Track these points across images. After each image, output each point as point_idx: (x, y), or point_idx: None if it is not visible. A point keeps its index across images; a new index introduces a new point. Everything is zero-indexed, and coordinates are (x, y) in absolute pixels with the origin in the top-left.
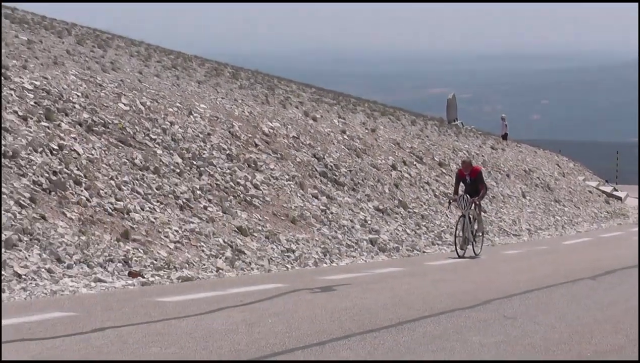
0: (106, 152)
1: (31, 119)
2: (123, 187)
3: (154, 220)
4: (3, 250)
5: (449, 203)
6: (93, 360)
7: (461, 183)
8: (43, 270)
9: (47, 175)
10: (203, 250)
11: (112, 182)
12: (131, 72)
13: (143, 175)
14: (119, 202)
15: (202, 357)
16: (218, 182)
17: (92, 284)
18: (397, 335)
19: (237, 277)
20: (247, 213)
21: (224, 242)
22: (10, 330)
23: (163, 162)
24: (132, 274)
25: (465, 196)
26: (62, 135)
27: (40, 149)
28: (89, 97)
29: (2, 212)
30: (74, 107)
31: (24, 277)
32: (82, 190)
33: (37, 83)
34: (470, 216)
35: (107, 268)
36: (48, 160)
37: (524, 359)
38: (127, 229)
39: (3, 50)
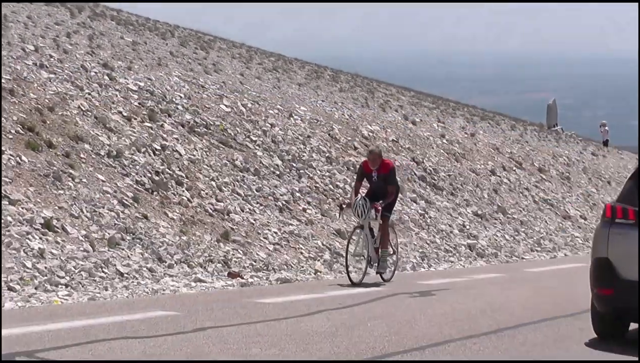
0: (207, 153)
1: (135, 119)
2: (224, 188)
3: (253, 222)
4: (106, 248)
5: (341, 207)
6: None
7: (366, 182)
8: (145, 269)
9: (149, 175)
10: (302, 252)
11: (213, 183)
12: (233, 74)
13: (243, 176)
14: (219, 203)
15: (301, 359)
16: (317, 185)
17: (193, 284)
18: (497, 342)
19: (335, 280)
20: (345, 216)
21: (323, 244)
22: (114, 328)
23: (263, 164)
24: (231, 275)
25: (362, 199)
26: (164, 135)
27: (143, 149)
28: (191, 99)
29: (106, 210)
30: (177, 108)
31: (126, 275)
32: (183, 191)
33: (142, 84)
34: (371, 228)
35: (207, 269)
36: (151, 161)
37: None
38: (227, 230)
39: (109, 52)
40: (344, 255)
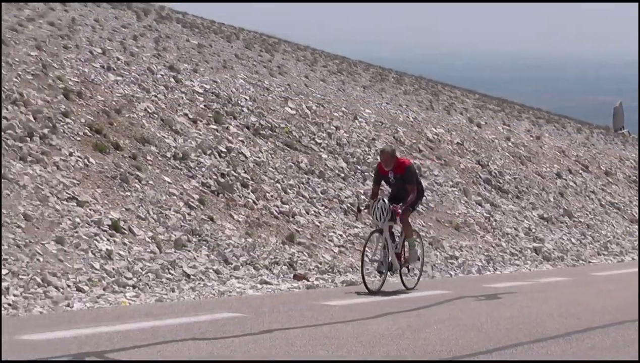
0: (273, 156)
1: (201, 121)
2: (289, 191)
3: (318, 224)
4: (173, 250)
5: (358, 210)
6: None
7: (383, 183)
8: (211, 270)
9: (215, 177)
10: (368, 256)
11: (278, 185)
12: (297, 76)
13: (308, 178)
14: (284, 205)
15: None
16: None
17: (258, 286)
18: (565, 346)
19: (400, 283)
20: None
21: None
22: (181, 329)
23: (328, 166)
24: (297, 277)
25: (381, 202)
26: (230, 138)
27: (209, 152)
28: (256, 101)
29: (172, 212)
30: (242, 111)
31: (192, 277)
32: (249, 193)
33: (207, 86)
34: (392, 231)
35: (273, 271)
36: (216, 163)
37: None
38: (293, 232)
39: (175, 54)
40: (360, 260)
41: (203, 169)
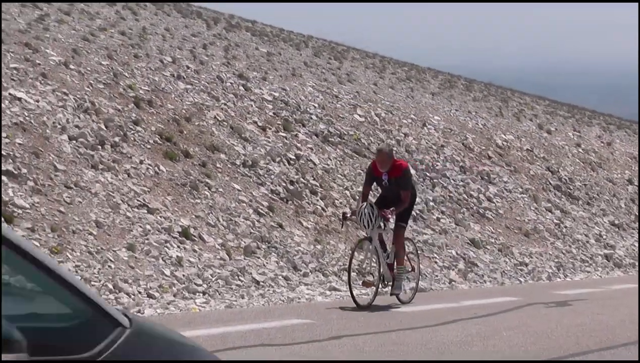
0: (341, 163)
1: (270, 129)
2: (357, 198)
3: None
4: (242, 257)
5: (343, 217)
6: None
7: (376, 186)
8: (280, 277)
9: (284, 184)
10: (436, 262)
11: (347, 192)
12: (366, 83)
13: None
14: None
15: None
16: (451, 194)
17: (327, 292)
18: (637, 353)
19: (470, 289)
20: (479, 226)
21: (457, 254)
22: (251, 335)
23: None
24: (366, 284)
25: (368, 206)
26: (299, 145)
27: (278, 159)
28: (325, 108)
29: (242, 219)
30: (311, 118)
31: (262, 283)
32: (317, 200)
33: (276, 94)
34: (383, 239)
35: (342, 277)
36: (285, 170)
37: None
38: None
39: (244, 62)
40: (347, 271)
41: (272, 176)
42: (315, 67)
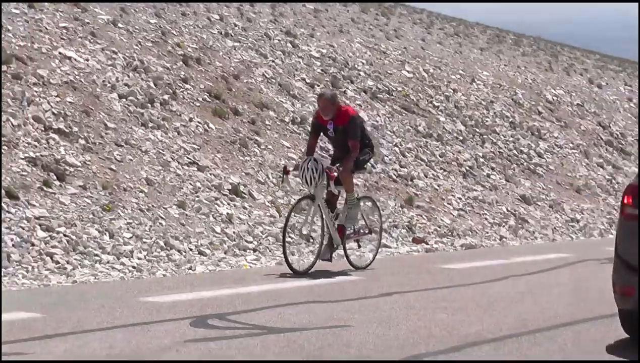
0: (390, 119)
1: (318, 86)
2: (407, 154)
3: (437, 188)
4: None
5: (284, 171)
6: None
7: (323, 137)
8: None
9: None
10: (486, 218)
11: (396, 148)
12: (414, 39)
13: (426, 142)
14: (403, 169)
15: (488, 325)
16: (501, 150)
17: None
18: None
19: (520, 246)
20: (530, 182)
21: (507, 210)
22: (301, 292)
23: (446, 129)
24: (416, 240)
25: (312, 162)
26: (347, 101)
27: None
28: (373, 65)
29: (291, 176)
30: (359, 75)
31: (311, 240)
32: None
33: (324, 51)
34: (332, 198)
35: (392, 234)
36: None
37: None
38: (411, 196)
39: (291, 19)
40: (282, 232)
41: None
42: (362, 23)
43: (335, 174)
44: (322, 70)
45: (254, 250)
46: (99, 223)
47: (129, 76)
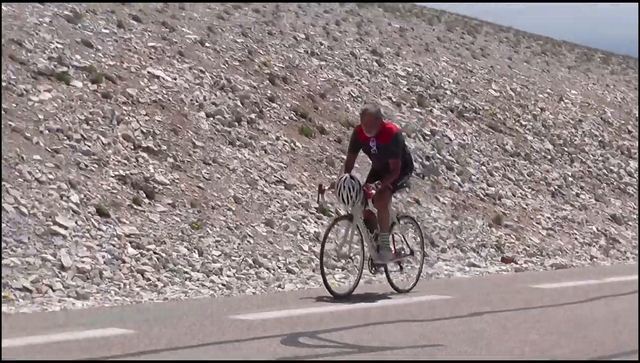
0: (477, 138)
1: (404, 104)
2: (494, 173)
3: (525, 207)
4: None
5: (320, 189)
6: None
7: (363, 153)
8: (418, 253)
9: (420, 160)
10: (576, 238)
11: (483, 167)
12: (501, 58)
13: (514, 161)
14: (490, 188)
15: (582, 347)
16: (590, 169)
17: (466, 268)
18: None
19: (612, 266)
20: (620, 201)
21: (598, 230)
22: (391, 311)
23: (534, 148)
24: (505, 260)
25: (348, 179)
26: (434, 120)
27: (413, 135)
28: (459, 83)
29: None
30: (446, 93)
31: None
32: (454, 175)
33: (410, 70)
34: (371, 218)
35: (480, 253)
36: (421, 146)
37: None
38: (499, 215)
39: (377, 38)
40: (319, 255)
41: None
42: (448, 42)
43: (373, 191)
44: (408, 88)
45: (342, 268)
46: (188, 241)
47: (216, 95)
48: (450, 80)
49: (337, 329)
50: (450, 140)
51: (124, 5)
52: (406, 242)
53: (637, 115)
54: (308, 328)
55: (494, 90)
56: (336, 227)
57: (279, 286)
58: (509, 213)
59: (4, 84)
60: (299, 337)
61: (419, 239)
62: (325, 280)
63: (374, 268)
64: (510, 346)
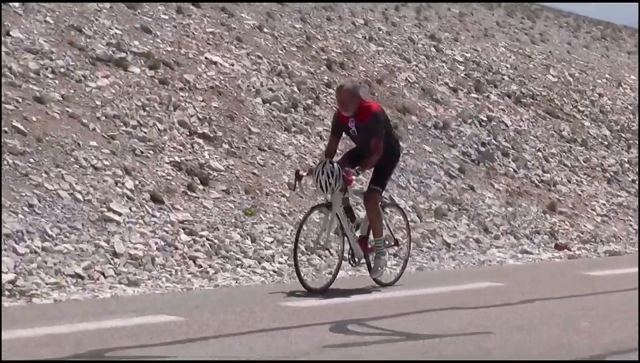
0: (534, 124)
1: (461, 90)
2: (550, 159)
3: (580, 193)
4: (433, 219)
5: (297, 176)
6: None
7: (344, 136)
8: (471, 240)
9: (475, 146)
10: (631, 225)
11: (539, 153)
12: (560, 43)
13: (570, 147)
14: (545, 174)
15: (632, 333)
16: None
17: (519, 255)
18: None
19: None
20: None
21: None
22: (441, 298)
23: (591, 134)
24: (558, 247)
25: (328, 164)
26: (491, 106)
27: (469, 120)
28: (517, 69)
29: (433, 181)
30: (503, 79)
31: (452, 246)
32: (509, 162)
33: (468, 55)
34: (347, 206)
35: (534, 240)
36: (477, 132)
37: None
38: (554, 201)
39: (436, 24)
40: (293, 246)
41: (464, 138)
42: (507, 27)
43: (354, 177)
44: (465, 74)
45: (394, 255)
46: (241, 228)
47: (273, 81)
48: (508, 66)
49: (386, 317)
50: (507, 126)
51: None
52: (391, 232)
53: None
54: (357, 316)
55: (552, 75)
56: (313, 215)
57: (330, 273)
58: (564, 199)
59: (62, 70)
60: (347, 324)
61: (404, 228)
62: (299, 274)
63: (354, 261)
64: (560, 333)
